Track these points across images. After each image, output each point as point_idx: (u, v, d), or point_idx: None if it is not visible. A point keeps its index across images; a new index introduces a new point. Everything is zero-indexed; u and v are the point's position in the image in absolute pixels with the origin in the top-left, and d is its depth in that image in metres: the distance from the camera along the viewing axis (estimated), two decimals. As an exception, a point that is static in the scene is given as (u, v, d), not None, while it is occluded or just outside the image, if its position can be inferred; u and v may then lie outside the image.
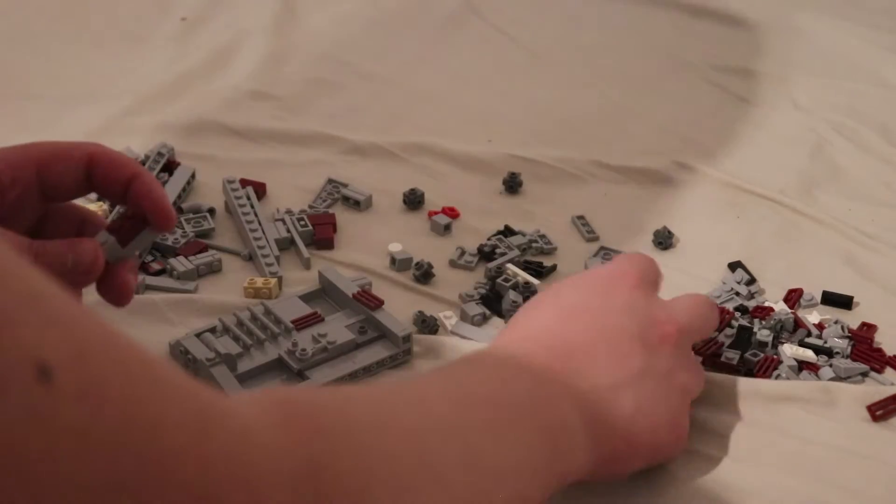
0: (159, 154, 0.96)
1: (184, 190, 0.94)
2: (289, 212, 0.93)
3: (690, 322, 0.69)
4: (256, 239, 0.88)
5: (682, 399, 0.67)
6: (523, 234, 0.93)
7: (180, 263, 0.86)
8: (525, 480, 0.53)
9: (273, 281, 0.85)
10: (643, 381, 0.63)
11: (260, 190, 0.95)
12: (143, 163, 0.97)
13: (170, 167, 0.96)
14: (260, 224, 0.90)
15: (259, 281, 0.85)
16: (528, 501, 0.53)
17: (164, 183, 0.94)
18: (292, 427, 0.40)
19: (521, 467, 0.53)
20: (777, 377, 0.79)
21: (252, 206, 0.91)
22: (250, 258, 0.88)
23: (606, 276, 0.68)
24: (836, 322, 0.84)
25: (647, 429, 0.63)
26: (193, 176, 0.96)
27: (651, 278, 0.70)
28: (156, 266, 0.86)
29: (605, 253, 0.91)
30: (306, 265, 0.88)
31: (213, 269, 0.87)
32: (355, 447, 0.42)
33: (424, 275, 0.87)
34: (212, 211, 0.92)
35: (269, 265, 0.86)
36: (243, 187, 0.94)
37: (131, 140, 1.02)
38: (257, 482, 0.37)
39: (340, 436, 0.42)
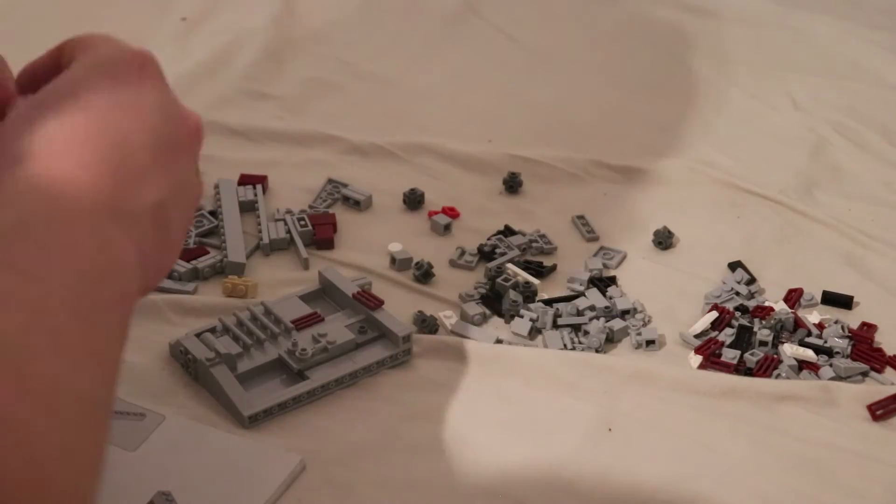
0: None
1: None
2: (289, 212, 0.93)
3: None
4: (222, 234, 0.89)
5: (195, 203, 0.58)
6: (523, 234, 0.93)
7: (179, 265, 0.86)
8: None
9: (251, 280, 0.85)
10: (181, 189, 0.54)
11: (262, 183, 0.96)
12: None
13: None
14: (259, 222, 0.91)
15: (237, 278, 0.85)
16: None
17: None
18: None
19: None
20: (777, 376, 0.79)
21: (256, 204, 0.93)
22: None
23: (129, 62, 0.53)
24: (836, 322, 0.84)
25: (178, 239, 0.55)
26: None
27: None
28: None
29: (605, 253, 0.91)
30: (305, 265, 0.88)
31: (216, 270, 0.87)
32: None
33: (424, 275, 0.87)
34: (213, 213, 0.93)
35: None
36: (246, 184, 0.95)
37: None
38: None
39: None
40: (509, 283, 0.85)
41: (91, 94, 0.50)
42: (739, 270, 0.89)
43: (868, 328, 0.84)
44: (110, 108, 0.50)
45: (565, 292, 0.87)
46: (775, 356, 0.80)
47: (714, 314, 0.84)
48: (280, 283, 0.86)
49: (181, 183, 0.54)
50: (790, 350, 0.81)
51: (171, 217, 0.52)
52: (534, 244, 0.92)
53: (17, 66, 0.78)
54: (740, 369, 0.80)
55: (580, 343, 0.82)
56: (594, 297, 0.86)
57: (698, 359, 0.81)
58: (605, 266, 0.90)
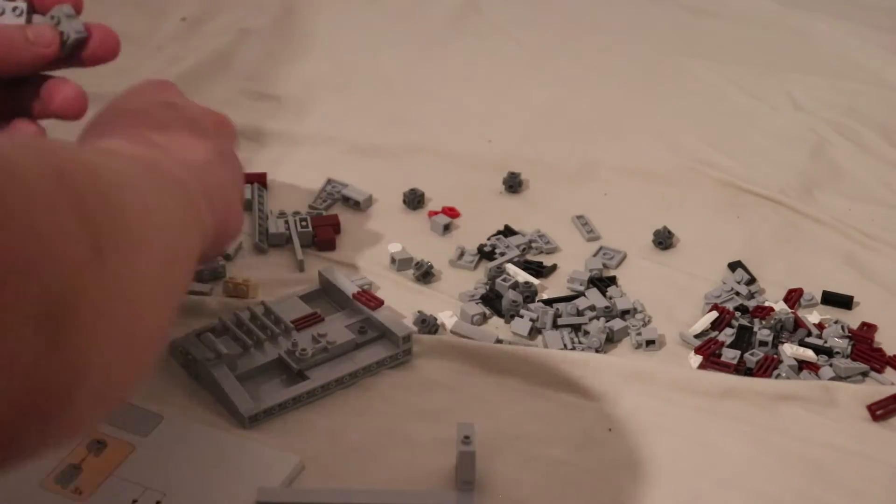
0: None
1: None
2: (293, 213, 0.93)
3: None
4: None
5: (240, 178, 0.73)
6: (523, 234, 0.93)
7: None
8: (180, 236, 0.57)
9: (253, 280, 0.85)
10: (220, 160, 0.69)
11: (260, 181, 0.96)
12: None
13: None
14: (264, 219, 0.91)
15: (239, 278, 0.85)
16: (182, 256, 0.56)
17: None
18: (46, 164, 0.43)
19: (177, 223, 0.57)
20: (777, 377, 0.79)
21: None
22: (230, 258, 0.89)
23: (150, 85, 0.76)
24: (836, 322, 0.84)
25: (231, 202, 0.69)
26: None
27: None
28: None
29: (605, 253, 0.91)
30: (300, 267, 0.88)
31: (217, 274, 0.86)
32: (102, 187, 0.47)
33: (424, 275, 0.87)
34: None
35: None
36: (245, 183, 0.95)
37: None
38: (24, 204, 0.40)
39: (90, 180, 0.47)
40: (509, 283, 0.85)
41: (127, 103, 0.72)
42: (739, 270, 0.89)
43: (868, 328, 0.84)
44: (140, 109, 0.69)
45: (565, 292, 0.87)
46: (775, 356, 0.80)
47: (714, 314, 0.84)
48: (280, 283, 0.86)
49: (222, 153, 0.69)
50: (790, 350, 0.81)
51: (216, 176, 0.66)
52: (534, 244, 0.92)
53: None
54: (740, 369, 0.80)
55: (580, 343, 0.82)
56: (594, 297, 0.86)
57: (698, 359, 0.80)
58: (605, 266, 0.90)
